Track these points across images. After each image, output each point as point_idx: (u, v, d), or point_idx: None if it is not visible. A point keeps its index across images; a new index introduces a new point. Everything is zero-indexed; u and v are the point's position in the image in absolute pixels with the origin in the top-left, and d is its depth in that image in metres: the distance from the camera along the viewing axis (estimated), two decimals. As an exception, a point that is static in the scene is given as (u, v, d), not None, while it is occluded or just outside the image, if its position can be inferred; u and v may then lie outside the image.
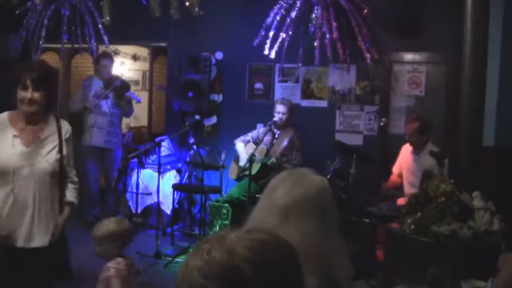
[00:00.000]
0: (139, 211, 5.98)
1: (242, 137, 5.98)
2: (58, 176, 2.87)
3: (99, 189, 6.35)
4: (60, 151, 2.86)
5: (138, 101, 6.28)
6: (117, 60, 8.48)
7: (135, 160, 5.95)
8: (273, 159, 5.35)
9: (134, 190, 5.78)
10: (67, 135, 2.94)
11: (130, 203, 6.21)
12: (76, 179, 3.02)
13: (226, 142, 6.31)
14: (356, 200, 4.75)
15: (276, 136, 5.79)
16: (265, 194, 1.61)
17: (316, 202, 1.55)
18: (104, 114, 6.18)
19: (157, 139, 5.68)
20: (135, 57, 8.90)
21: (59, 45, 6.34)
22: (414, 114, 5.23)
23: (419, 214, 3.59)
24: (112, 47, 7.32)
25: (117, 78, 6.41)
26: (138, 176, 5.82)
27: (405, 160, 5.13)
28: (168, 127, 6.89)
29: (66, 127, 2.95)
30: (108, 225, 2.97)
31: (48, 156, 2.84)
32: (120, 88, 6.17)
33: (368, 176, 5.48)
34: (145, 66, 8.64)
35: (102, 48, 6.57)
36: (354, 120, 6.15)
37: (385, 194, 5.02)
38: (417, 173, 4.79)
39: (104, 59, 6.27)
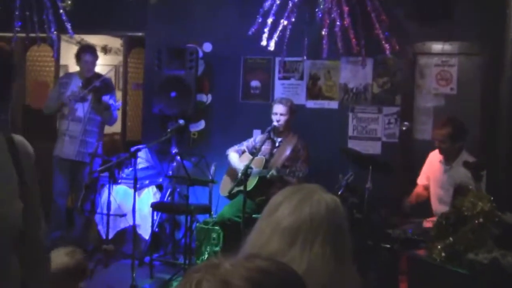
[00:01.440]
0: (110, 236, 5.94)
1: (235, 146, 5.99)
2: (19, 245, 1.89)
3: (65, 208, 6.35)
4: (22, 194, 1.89)
5: (117, 108, 6.26)
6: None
7: (106, 174, 5.87)
8: (273, 172, 5.35)
9: (105, 211, 5.76)
10: (28, 164, 1.96)
11: (100, 227, 6.21)
12: (46, 244, 2.06)
13: (217, 152, 6.31)
14: (373, 220, 4.77)
15: (277, 144, 5.79)
16: (265, 213, 1.64)
17: (325, 223, 1.58)
18: (78, 120, 6.19)
19: (133, 149, 5.69)
20: (105, 50, 8.88)
21: (10, 34, 6.31)
22: (445, 117, 5.21)
23: (451, 238, 3.54)
24: (77, 37, 7.29)
25: (99, 76, 6.40)
26: (109, 194, 5.77)
27: (433, 170, 5.11)
28: (146, 134, 6.92)
29: (25, 149, 1.97)
30: (56, 258, 2.77)
31: None
32: (99, 90, 6.16)
33: (388, 191, 5.48)
34: (118, 60, 8.65)
35: (64, 38, 6.53)
36: (371, 124, 6.16)
37: (408, 212, 4.97)
38: (447, 187, 4.78)
39: (85, 54, 6.30)
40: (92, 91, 6.15)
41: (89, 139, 6.21)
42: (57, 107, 6.21)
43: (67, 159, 6.16)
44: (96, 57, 6.44)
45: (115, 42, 8.73)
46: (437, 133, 4.99)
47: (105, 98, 6.10)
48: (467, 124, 5.07)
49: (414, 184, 5.33)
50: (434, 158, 5.12)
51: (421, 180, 5.27)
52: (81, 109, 6.16)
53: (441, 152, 4.99)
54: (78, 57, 6.32)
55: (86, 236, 6.35)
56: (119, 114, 7.75)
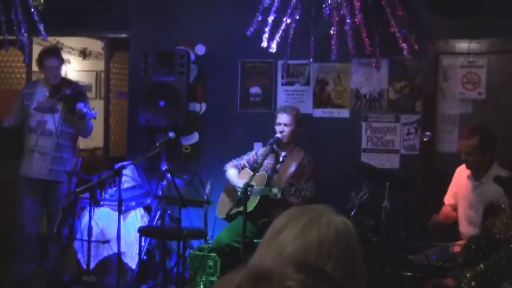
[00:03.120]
0: (92, 266, 5.91)
1: (234, 161, 5.99)
2: None
3: (37, 235, 6.29)
4: None
5: (92, 116, 6.19)
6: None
7: (86, 195, 5.87)
8: (276, 190, 5.34)
9: (86, 237, 5.72)
10: None
11: (80, 255, 6.19)
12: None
13: (212, 168, 6.33)
14: (391, 245, 4.74)
15: (281, 159, 5.80)
16: (266, 238, 1.62)
17: (336, 249, 1.57)
18: (48, 134, 6.13)
19: (117, 166, 5.71)
20: (84, 54, 8.93)
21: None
22: (472, 125, 5.21)
23: (481, 265, 3.51)
24: (52, 40, 7.28)
25: (69, 83, 6.37)
26: (90, 218, 5.76)
27: (460, 187, 5.12)
28: (132, 149, 6.97)
29: None
30: None
31: None
32: (70, 97, 6.10)
33: (408, 211, 5.47)
34: (99, 65, 8.69)
35: (36, 41, 6.52)
36: (387, 135, 6.17)
37: (434, 233, 4.94)
38: (477, 206, 4.78)
39: (48, 58, 6.19)
40: (62, 100, 6.08)
41: (62, 155, 6.13)
42: (16, 124, 6.11)
43: (37, 178, 6.08)
44: (61, 61, 6.36)
45: (96, 45, 8.76)
46: (463, 144, 4.97)
47: (79, 105, 6.03)
48: (497, 134, 5.06)
49: (437, 203, 5.33)
50: (462, 173, 5.11)
51: (448, 199, 5.26)
52: (52, 121, 6.08)
53: (468, 166, 4.98)
54: (41, 62, 6.20)
55: (63, 266, 6.31)
56: (100, 126, 7.76)
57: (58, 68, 6.27)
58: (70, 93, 6.11)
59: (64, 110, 6.12)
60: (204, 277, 5.63)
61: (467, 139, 4.92)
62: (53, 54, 6.26)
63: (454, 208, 5.19)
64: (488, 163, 4.90)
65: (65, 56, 8.53)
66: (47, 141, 6.09)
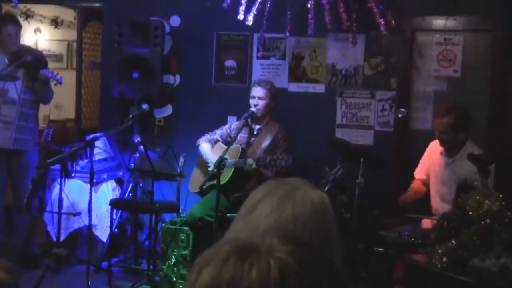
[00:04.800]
0: (62, 238, 5.91)
1: (207, 135, 5.97)
2: None
3: (3, 207, 6.25)
4: None
5: (59, 82, 6.12)
6: (30, 27, 8.31)
7: (57, 167, 5.84)
8: (251, 161, 5.33)
9: (56, 209, 5.71)
10: None
11: (50, 228, 6.16)
12: None
13: (186, 142, 6.31)
14: (364, 221, 4.76)
15: (255, 132, 5.81)
16: (241, 212, 1.62)
17: (311, 225, 1.57)
18: (11, 102, 6.04)
19: (89, 138, 5.68)
20: (56, 22, 8.79)
21: None
22: (447, 103, 5.22)
23: (453, 242, 3.54)
24: (22, 7, 7.16)
25: (29, 50, 6.29)
26: (61, 190, 5.74)
27: (433, 163, 5.12)
28: (104, 121, 6.93)
29: None
30: None
31: None
32: (32, 64, 6.01)
33: (382, 187, 5.51)
34: (71, 35, 8.59)
35: (6, 8, 6.40)
36: (362, 111, 6.18)
37: (404, 211, 4.98)
38: (450, 183, 4.80)
39: (7, 25, 6.08)
40: (23, 67, 6.00)
41: (27, 124, 6.07)
42: None
43: (2, 148, 6.00)
44: (19, 27, 6.23)
45: (68, 14, 8.64)
46: (437, 122, 4.99)
47: (44, 71, 5.94)
48: (472, 112, 5.08)
49: (410, 180, 5.34)
50: (435, 149, 5.12)
51: (419, 174, 5.28)
52: (14, 90, 5.99)
53: (441, 143, 4.99)
54: None
55: (32, 238, 6.28)
56: (71, 97, 7.68)
57: (17, 35, 6.18)
58: (31, 59, 6.03)
59: (26, 77, 6.04)
60: (176, 251, 5.61)
61: (442, 117, 4.92)
62: (11, 21, 6.17)
63: (424, 183, 5.21)
64: (462, 141, 4.91)
65: (36, 24, 8.47)
66: (10, 109, 6.01)
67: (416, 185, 5.26)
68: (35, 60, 6.06)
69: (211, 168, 5.53)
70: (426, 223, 4.71)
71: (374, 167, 4.99)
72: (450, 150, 4.97)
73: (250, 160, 5.36)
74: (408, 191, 5.24)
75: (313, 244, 1.46)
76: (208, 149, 5.86)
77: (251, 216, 1.58)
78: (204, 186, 5.60)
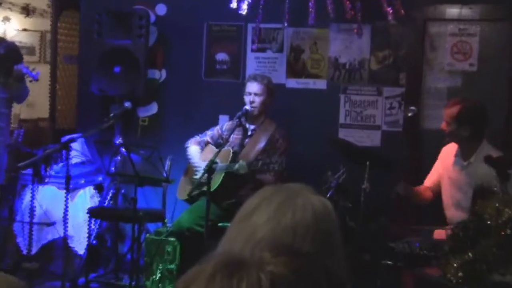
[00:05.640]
0: (34, 251, 5.94)
1: (197, 137, 5.98)
2: None
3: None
4: None
5: (34, 78, 6.14)
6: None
7: (29, 171, 5.87)
8: (242, 163, 5.33)
9: (27, 219, 5.73)
10: None
11: (20, 239, 6.16)
12: None
13: (173, 144, 6.34)
14: (371, 230, 4.79)
15: (249, 133, 5.80)
16: (236, 220, 1.64)
17: (312, 233, 1.58)
18: None
19: (65, 139, 5.67)
20: (27, 10, 8.76)
21: None
22: (459, 97, 5.21)
23: (470, 254, 3.53)
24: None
25: (1, 41, 6.28)
26: (33, 197, 5.74)
27: (446, 168, 5.10)
28: (82, 120, 6.96)
29: None
30: None
31: None
32: (4, 58, 6.00)
33: (389, 193, 5.43)
34: (44, 24, 8.57)
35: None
36: (368, 109, 6.19)
37: (405, 194, 4.99)
38: (465, 189, 4.78)
39: None
40: None
41: None
42: None
43: None
44: None
45: (41, 1, 8.60)
46: (444, 112, 5.01)
47: (19, 66, 5.97)
48: (489, 109, 5.06)
49: (420, 183, 5.32)
50: (448, 152, 5.12)
51: (428, 181, 5.25)
52: None
53: (447, 138, 5.00)
54: None
55: (1, 250, 6.25)
56: (45, 94, 7.65)
57: None
58: (4, 52, 6.02)
59: None
60: (161, 264, 5.62)
61: (450, 107, 4.95)
62: None
63: (434, 188, 5.19)
64: (473, 141, 4.90)
65: (4, 12, 8.42)
66: None
67: (421, 188, 5.25)
68: (8, 53, 6.06)
69: (200, 173, 5.52)
70: (439, 233, 4.66)
71: (381, 171, 4.98)
72: (463, 151, 4.96)
73: (241, 163, 5.34)
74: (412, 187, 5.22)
75: (311, 254, 1.48)
76: (198, 152, 5.85)
77: (246, 224, 1.59)
78: (193, 193, 5.63)
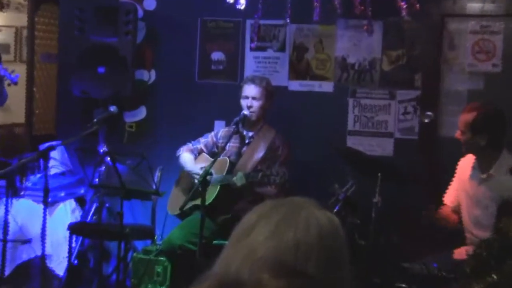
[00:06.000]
0: (7, 272, 5.90)
1: (189, 144, 5.98)
2: None
3: None
4: None
5: (13, 81, 6.17)
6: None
7: (2, 183, 5.85)
8: (240, 175, 5.30)
9: (0, 236, 5.63)
10: None
11: None
12: None
13: (163, 152, 6.36)
14: (383, 249, 4.82)
15: (247, 140, 5.80)
16: (235, 236, 1.64)
17: (317, 253, 1.58)
18: None
19: (43, 147, 5.66)
20: (1, 4, 8.80)
21: None
22: (478, 102, 5.18)
23: (494, 276, 3.51)
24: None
25: None
26: (7, 211, 5.71)
27: (463, 183, 5.08)
28: (62, 126, 6.98)
29: None
30: None
31: None
32: None
33: (403, 208, 5.47)
34: (20, 20, 8.58)
35: None
36: (379, 115, 6.22)
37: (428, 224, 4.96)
38: (485, 204, 4.75)
39: None
40: None
41: None
42: None
43: None
44: None
45: (16, -6, 8.63)
46: (459, 119, 4.99)
47: None
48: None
49: (439, 198, 5.30)
50: (465, 165, 5.07)
51: (448, 199, 5.20)
52: None
53: (464, 150, 4.97)
54: None
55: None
56: (21, 96, 7.64)
57: None
58: None
59: None
60: (150, 286, 5.62)
61: (466, 113, 4.93)
62: None
63: (456, 211, 5.16)
64: (492, 151, 4.86)
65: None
66: None
67: (445, 210, 5.21)
68: None
69: (197, 178, 5.45)
70: (460, 252, 4.69)
71: (395, 183, 4.99)
72: (481, 162, 4.92)
73: (238, 175, 5.32)
74: (438, 212, 5.20)
75: (315, 275, 1.50)
76: (191, 161, 5.84)
77: (245, 242, 1.59)
78: (186, 207, 5.58)
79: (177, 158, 5.90)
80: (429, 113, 5.88)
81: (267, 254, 1.55)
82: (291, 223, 1.60)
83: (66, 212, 6.26)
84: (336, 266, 1.61)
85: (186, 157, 5.86)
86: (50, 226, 5.60)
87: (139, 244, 6.04)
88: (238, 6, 5.87)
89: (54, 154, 5.98)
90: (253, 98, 5.66)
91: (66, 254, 5.99)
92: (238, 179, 5.29)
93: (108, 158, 5.95)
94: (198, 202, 5.15)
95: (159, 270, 5.64)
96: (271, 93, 5.77)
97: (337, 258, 1.62)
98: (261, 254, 1.55)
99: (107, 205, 6.29)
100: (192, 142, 5.95)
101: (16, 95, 7.70)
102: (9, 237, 5.67)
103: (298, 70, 6.39)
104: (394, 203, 4.94)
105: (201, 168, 5.38)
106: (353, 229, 4.84)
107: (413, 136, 6.11)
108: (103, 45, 6.35)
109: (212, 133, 6.03)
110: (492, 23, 5.95)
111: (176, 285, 5.49)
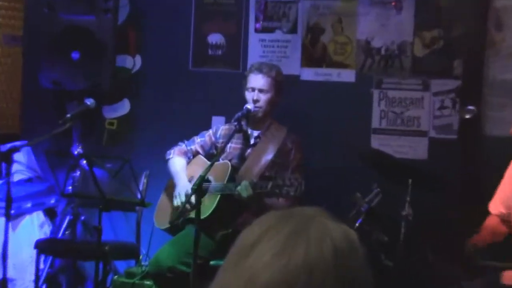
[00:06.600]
0: None
1: (182, 146, 5.99)
2: None
3: None
4: None
5: None
6: None
7: None
8: (245, 184, 5.28)
9: None
10: None
11: None
12: None
13: (150, 154, 6.42)
14: (415, 271, 4.85)
15: (252, 141, 5.81)
16: (232, 257, 1.63)
17: (333, 276, 1.57)
18: None
19: (5, 148, 5.74)
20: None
21: None
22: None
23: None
24: None
25: None
26: None
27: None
28: (28, 123, 7.06)
29: None
30: None
31: None
32: None
33: (440, 222, 5.46)
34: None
35: None
36: (411, 109, 6.24)
37: (475, 260, 4.95)
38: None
39: None
40: None
41: None
42: None
43: None
44: None
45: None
46: None
47: None
48: None
49: (483, 211, 5.29)
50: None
51: (495, 207, 5.21)
52: None
53: None
54: None
55: None
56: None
57: None
58: None
59: None
60: (134, 316, 5.61)
61: None
62: None
63: (506, 220, 5.18)
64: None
65: None
66: None
67: (492, 223, 5.21)
68: None
69: (186, 194, 5.50)
70: (510, 276, 4.67)
71: (429, 192, 4.99)
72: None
73: (243, 184, 5.31)
74: (481, 231, 5.19)
75: None
76: (183, 165, 5.85)
77: (245, 264, 1.58)
78: (176, 221, 5.60)
79: (166, 161, 5.89)
80: (470, 107, 5.88)
81: (271, 280, 1.54)
82: (301, 240, 1.58)
83: (33, 226, 6.30)
84: None
85: (177, 161, 5.85)
86: (13, 244, 5.61)
87: (121, 265, 6.08)
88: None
89: (18, 156, 6.09)
90: (260, 91, 5.65)
91: (32, 277, 6.03)
92: (243, 189, 5.24)
93: (84, 162, 5.94)
94: (192, 214, 5.15)
95: (145, 296, 5.65)
96: (281, 84, 5.76)
97: (357, 283, 1.60)
98: (265, 279, 1.54)
99: (82, 218, 6.33)
100: (186, 142, 5.94)
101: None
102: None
103: (313, 55, 6.42)
104: (428, 216, 4.95)
105: (192, 184, 5.38)
106: (379, 247, 4.87)
107: (452, 135, 6.13)
108: (78, 25, 6.39)
109: (210, 132, 6.01)
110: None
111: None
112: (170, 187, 5.93)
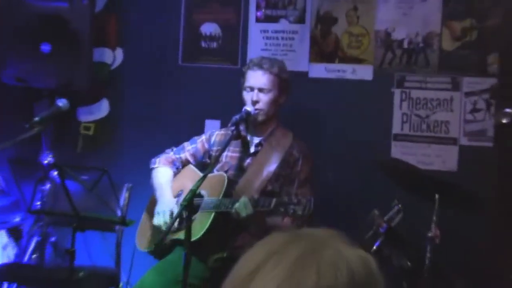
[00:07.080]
0: None
1: (169, 153, 6.03)
2: None
3: None
4: None
5: None
6: None
7: None
8: (245, 201, 5.25)
9: None
10: None
11: None
12: None
13: (132, 164, 6.51)
14: None
15: (252, 149, 5.83)
16: (230, 286, 1.67)
17: None
18: None
19: None
20: None
21: None
22: None
23: None
24: None
25: None
26: None
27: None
28: None
29: None
30: None
31: None
32: None
33: (472, 245, 5.48)
34: None
35: None
36: (438, 112, 6.28)
37: None
38: None
39: None
40: None
41: None
42: None
43: None
44: None
45: None
46: None
47: None
48: None
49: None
50: None
51: None
52: None
53: None
54: None
55: None
56: None
57: None
58: None
59: None
60: None
61: None
62: None
63: None
64: None
65: None
66: None
67: None
68: None
69: (174, 211, 5.50)
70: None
71: (459, 209, 4.99)
72: None
73: (242, 201, 5.28)
74: None
75: None
76: (169, 177, 5.87)
77: None
78: (163, 242, 5.56)
79: (150, 172, 5.90)
80: (508, 110, 5.88)
81: None
82: (311, 266, 1.60)
83: (-5, 249, 6.28)
84: None
85: (162, 172, 5.87)
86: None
87: (98, 295, 6.05)
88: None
89: (-22, 167, 6.02)
90: (260, 90, 5.65)
91: (-7, 309, 6.04)
92: (241, 207, 5.20)
93: (55, 173, 6.02)
94: (181, 235, 5.13)
95: (126, 331, 5.66)
96: (286, 83, 5.77)
97: None
98: None
99: (52, 239, 6.37)
100: (174, 149, 5.96)
101: None
102: None
103: (324, 49, 6.45)
104: (457, 237, 4.94)
105: (178, 201, 5.35)
106: (401, 274, 4.88)
107: (486, 142, 6.14)
108: (49, 13, 6.41)
109: (203, 137, 6.02)
110: None
111: None
112: (153, 202, 5.92)
